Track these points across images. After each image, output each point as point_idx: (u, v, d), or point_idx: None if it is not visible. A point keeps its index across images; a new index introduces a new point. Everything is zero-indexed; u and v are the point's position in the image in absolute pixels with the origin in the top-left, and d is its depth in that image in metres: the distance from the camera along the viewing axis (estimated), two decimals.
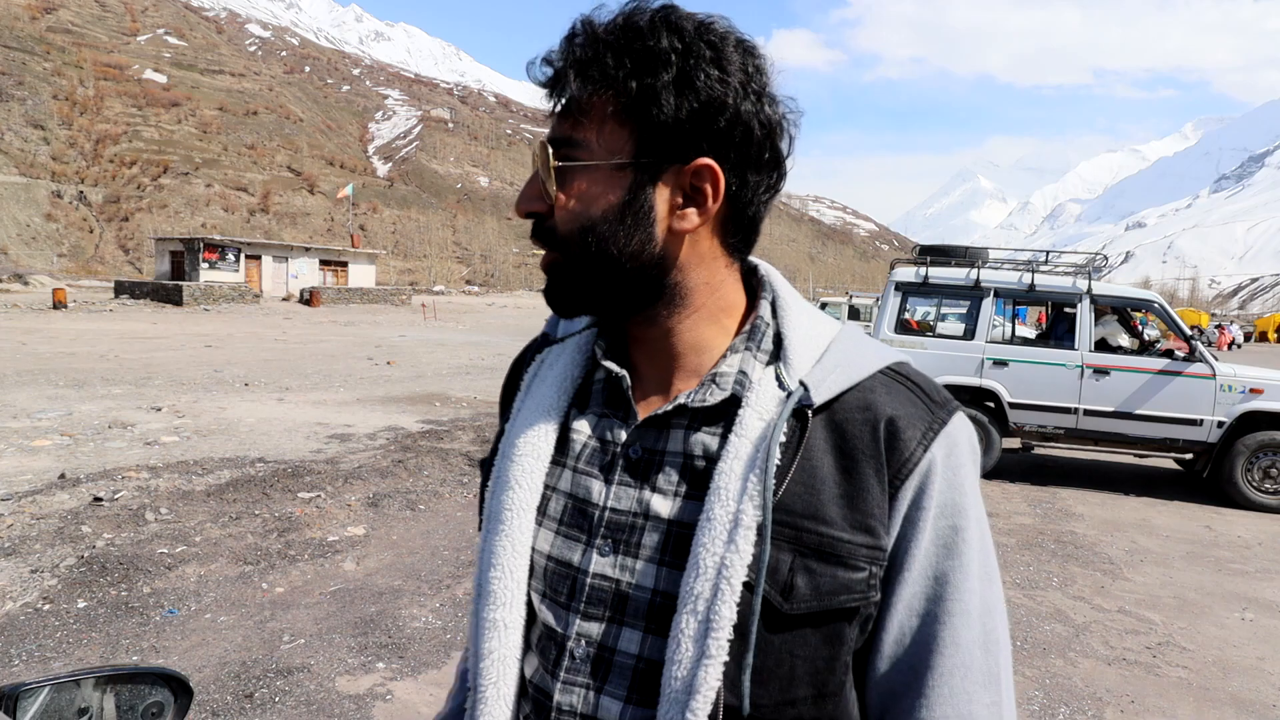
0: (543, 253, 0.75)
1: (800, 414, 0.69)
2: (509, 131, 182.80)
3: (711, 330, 0.75)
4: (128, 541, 4.92)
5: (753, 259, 0.79)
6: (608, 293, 0.72)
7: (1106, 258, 9.09)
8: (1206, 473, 7.49)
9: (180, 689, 0.85)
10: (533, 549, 0.76)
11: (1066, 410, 7.59)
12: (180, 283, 34.86)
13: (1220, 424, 7.26)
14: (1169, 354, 7.56)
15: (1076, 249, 9.89)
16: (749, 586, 0.65)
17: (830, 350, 0.73)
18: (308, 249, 44.84)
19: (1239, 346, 40.63)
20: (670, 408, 0.73)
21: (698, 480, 0.70)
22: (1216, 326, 41.71)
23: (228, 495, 5.99)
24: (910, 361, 0.76)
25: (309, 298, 38.63)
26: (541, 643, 0.75)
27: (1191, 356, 7.36)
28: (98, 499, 5.66)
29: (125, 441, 7.79)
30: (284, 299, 40.17)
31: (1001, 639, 0.70)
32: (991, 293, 7.83)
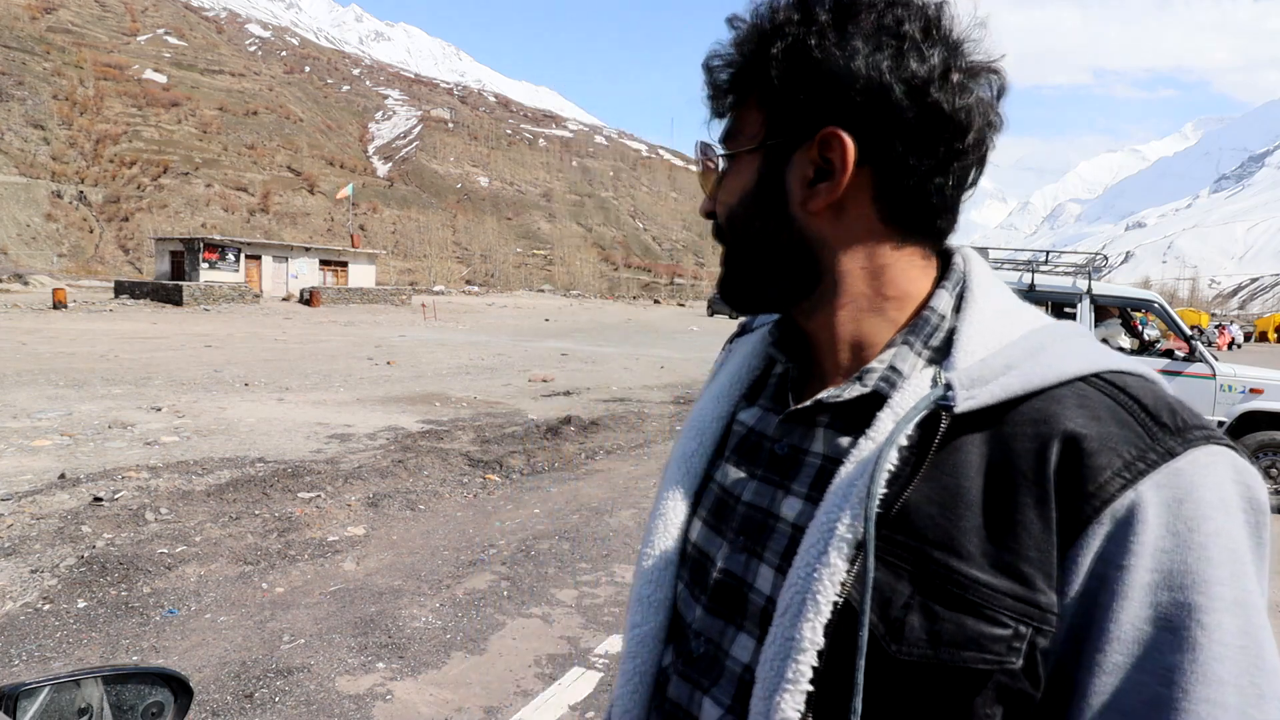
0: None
1: (938, 417, 0.58)
2: (509, 131, 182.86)
3: (874, 323, 0.67)
4: (128, 541, 4.92)
5: (956, 244, 0.71)
6: (759, 281, 0.70)
7: (1106, 258, 9.09)
8: None
9: (180, 689, 0.85)
10: (687, 538, 0.75)
11: None
12: (180, 283, 34.85)
13: (1220, 424, 7.27)
14: (1169, 354, 7.56)
15: (1076, 249, 9.88)
16: (846, 611, 0.56)
17: (1009, 348, 0.61)
18: (308, 249, 44.84)
19: (1239, 346, 40.64)
20: (809, 404, 0.67)
21: (824, 484, 0.63)
22: (1216, 326, 41.69)
23: (228, 495, 5.99)
24: (1147, 374, 0.59)
25: (309, 298, 38.62)
26: (675, 633, 0.74)
27: (1191, 356, 7.36)
28: (98, 499, 5.66)
29: (125, 441, 7.79)
30: (284, 299, 40.16)
31: None
32: None
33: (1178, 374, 7.37)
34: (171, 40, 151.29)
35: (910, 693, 0.55)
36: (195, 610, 4.10)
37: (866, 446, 0.60)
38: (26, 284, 43.23)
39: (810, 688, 0.57)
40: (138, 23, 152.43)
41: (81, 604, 4.09)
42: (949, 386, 0.58)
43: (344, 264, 45.84)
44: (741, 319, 0.88)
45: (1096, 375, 0.58)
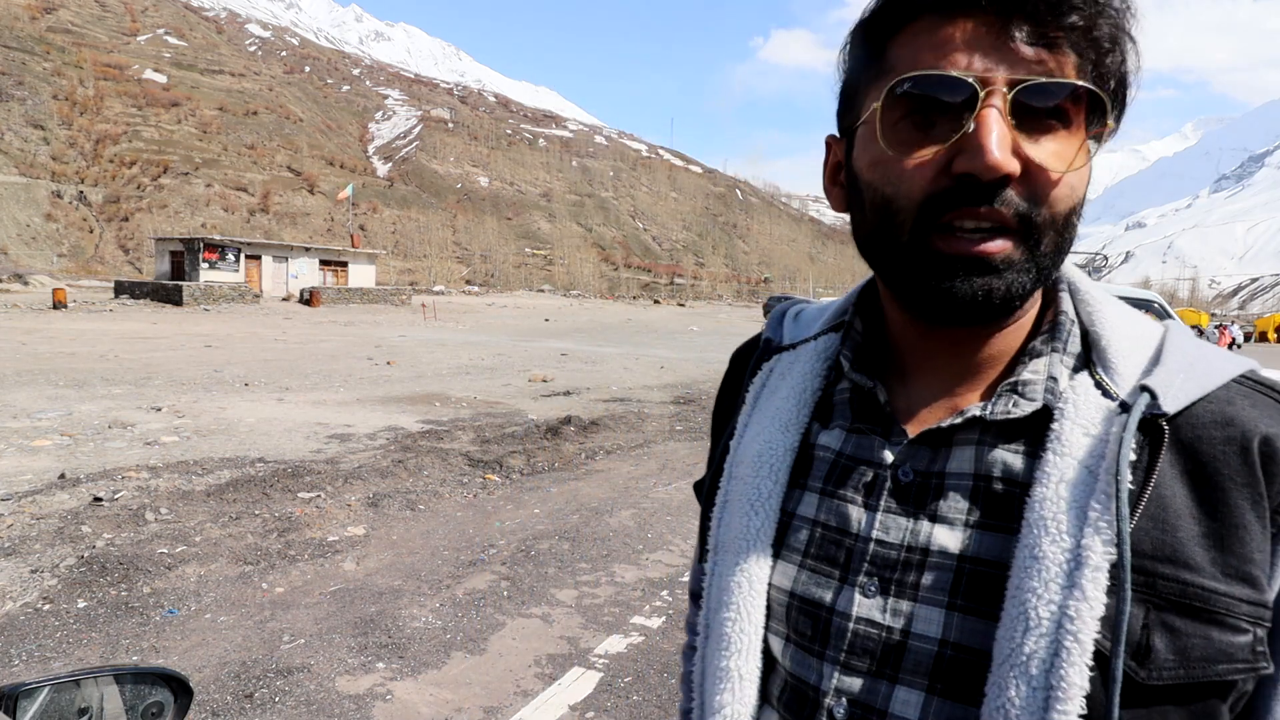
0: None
1: (1149, 428, 0.55)
2: (509, 131, 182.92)
3: (1016, 334, 0.63)
4: (128, 541, 4.92)
5: None
6: (1043, 283, 0.58)
7: (1106, 258, 9.09)
8: None
9: (180, 689, 0.85)
10: (769, 584, 0.66)
11: None
12: (180, 283, 34.88)
13: None
14: None
15: (1076, 249, 9.91)
16: (1099, 647, 0.52)
17: (1168, 351, 0.59)
18: (308, 249, 44.86)
19: (1239, 347, 40.63)
20: (958, 420, 0.60)
21: (998, 509, 0.58)
22: (1218, 326, 41.64)
23: (228, 495, 5.99)
24: (1259, 368, 0.60)
25: (309, 298, 38.64)
26: (786, 697, 0.65)
27: None
28: (98, 499, 5.66)
29: (125, 441, 7.79)
30: (284, 299, 40.18)
31: None
32: None
33: None
34: (171, 40, 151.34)
35: (1159, 718, 0.53)
36: (195, 610, 4.10)
37: (1068, 464, 0.55)
38: (26, 284, 43.25)
39: None
40: (138, 23, 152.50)
41: (81, 604, 4.09)
42: (1151, 394, 0.55)
43: (344, 264, 45.87)
44: (765, 334, 0.80)
45: (1246, 376, 0.58)
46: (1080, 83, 0.54)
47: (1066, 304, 0.63)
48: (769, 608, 0.66)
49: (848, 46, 0.63)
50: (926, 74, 0.55)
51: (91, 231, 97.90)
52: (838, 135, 0.67)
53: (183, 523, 5.33)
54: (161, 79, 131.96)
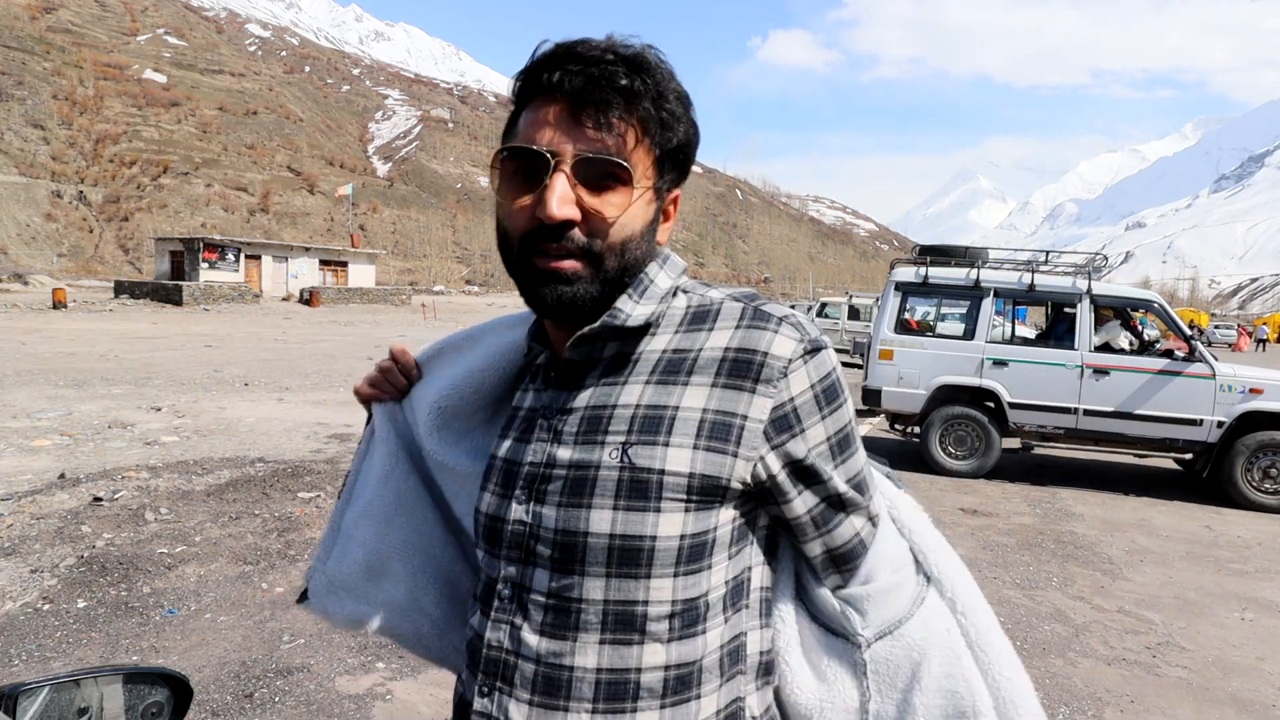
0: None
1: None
2: None
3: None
4: (128, 541, 4.92)
5: None
6: (615, 294, 0.81)
7: (1106, 258, 9.08)
8: (1206, 473, 7.49)
9: (180, 689, 0.86)
10: (477, 511, 0.88)
11: (1066, 410, 7.59)
12: (180, 283, 34.86)
13: (1220, 424, 7.26)
14: (1169, 354, 7.56)
15: (1076, 249, 9.88)
16: None
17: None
18: (308, 249, 44.84)
19: (1259, 347, 39.73)
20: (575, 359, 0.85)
21: (591, 427, 0.80)
22: (1238, 326, 41.03)
23: (228, 495, 5.99)
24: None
25: (309, 298, 38.62)
26: (482, 592, 0.86)
27: (1191, 356, 7.36)
28: (98, 499, 5.66)
29: (125, 441, 7.79)
30: (284, 299, 40.16)
31: None
32: (991, 293, 7.83)
33: (1177, 374, 7.36)
34: (171, 40, 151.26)
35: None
36: (195, 610, 4.10)
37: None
38: (26, 284, 43.23)
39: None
40: (138, 23, 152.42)
41: (81, 604, 4.09)
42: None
43: (344, 264, 45.84)
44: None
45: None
46: (615, 159, 0.76)
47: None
48: (477, 530, 0.88)
49: None
50: (520, 146, 0.77)
51: (91, 231, 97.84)
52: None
53: (183, 523, 5.33)
54: (161, 79, 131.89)
